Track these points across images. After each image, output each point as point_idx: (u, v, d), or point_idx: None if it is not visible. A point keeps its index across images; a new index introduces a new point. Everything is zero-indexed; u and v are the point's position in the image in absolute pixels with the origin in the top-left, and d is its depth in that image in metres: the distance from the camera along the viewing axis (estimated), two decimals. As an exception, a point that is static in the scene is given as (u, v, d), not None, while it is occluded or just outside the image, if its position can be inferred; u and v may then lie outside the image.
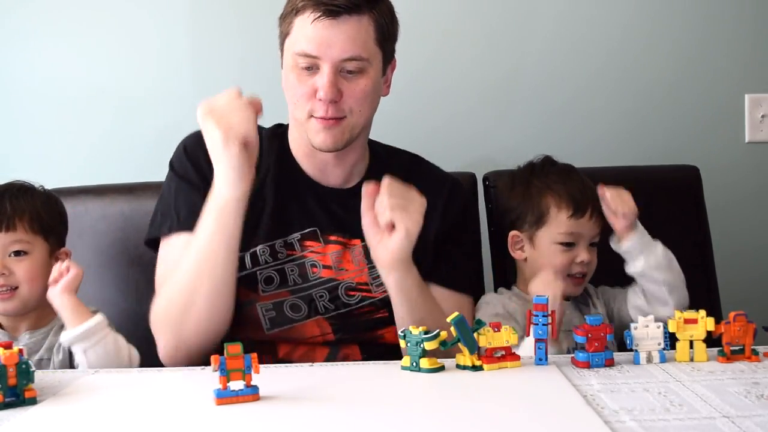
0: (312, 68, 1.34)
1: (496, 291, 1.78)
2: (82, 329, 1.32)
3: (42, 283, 1.40)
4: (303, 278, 1.40)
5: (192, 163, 1.42)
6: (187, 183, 1.42)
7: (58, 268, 1.36)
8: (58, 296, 1.35)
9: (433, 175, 1.54)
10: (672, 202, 1.86)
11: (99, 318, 1.34)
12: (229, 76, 2.08)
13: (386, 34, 1.39)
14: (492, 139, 2.11)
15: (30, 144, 2.08)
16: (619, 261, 1.54)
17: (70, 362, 1.39)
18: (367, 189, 1.28)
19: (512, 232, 1.59)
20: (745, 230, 2.14)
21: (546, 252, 1.53)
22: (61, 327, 1.38)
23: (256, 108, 1.29)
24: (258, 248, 1.40)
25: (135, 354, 1.37)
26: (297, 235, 1.42)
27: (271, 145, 1.49)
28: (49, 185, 1.83)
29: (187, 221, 1.36)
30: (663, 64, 2.13)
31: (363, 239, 1.40)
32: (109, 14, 2.07)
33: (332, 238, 1.43)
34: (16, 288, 1.40)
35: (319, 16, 1.32)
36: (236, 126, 1.25)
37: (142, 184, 1.82)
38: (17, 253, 1.41)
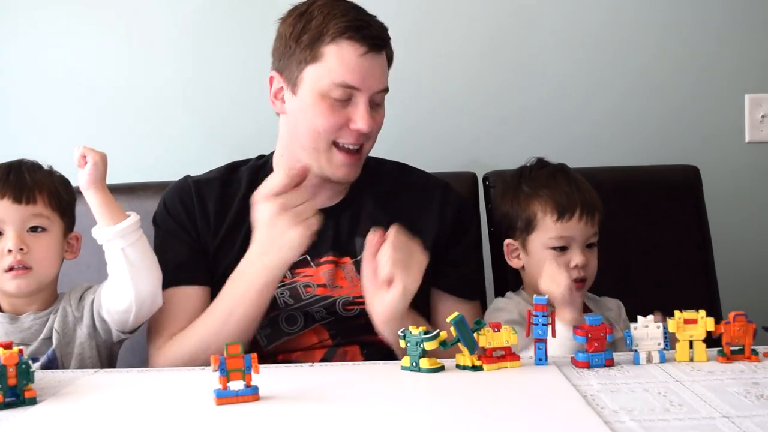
0: (346, 100, 1.35)
1: (495, 292, 1.79)
2: (122, 226, 1.28)
3: (57, 264, 1.37)
4: (295, 299, 1.40)
5: (173, 217, 1.43)
6: (171, 236, 1.43)
7: (77, 156, 1.28)
8: (83, 192, 1.29)
9: (423, 182, 1.53)
10: (672, 202, 1.86)
11: (136, 216, 1.31)
12: (232, 78, 2.08)
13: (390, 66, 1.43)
14: (492, 139, 2.11)
15: (30, 144, 2.08)
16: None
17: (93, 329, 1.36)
18: (372, 237, 1.25)
19: (507, 241, 1.57)
20: (745, 230, 2.14)
21: (539, 258, 1.50)
22: (56, 308, 1.36)
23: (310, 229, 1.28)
24: None
25: None
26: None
27: (255, 177, 1.46)
28: (49, 185, 1.83)
29: (176, 275, 1.39)
30: (663, 64, 2.13)
31: (353, 256, 1.42)
32: (111, 14, 2.08)
33: (323, 259, 1.42)
34: (30, 267, 1.32)
35: (363, 48, 1.33)
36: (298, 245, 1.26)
37: (142, 184, 1.82)
38: (34, 229, 1.33)
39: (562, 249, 1.49)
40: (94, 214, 1.30)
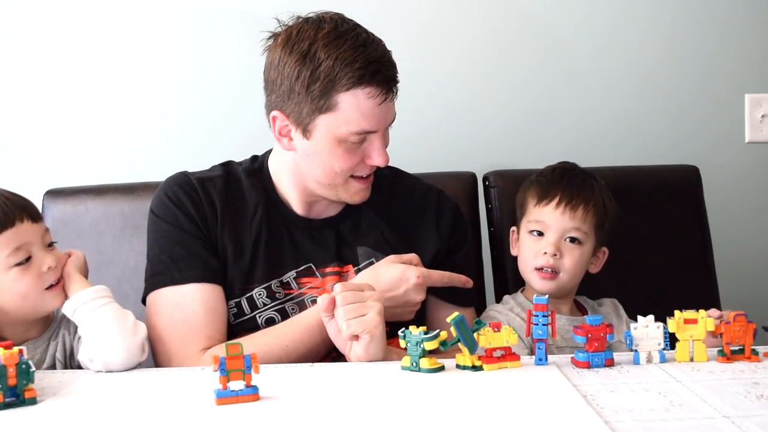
0: (363, 141, 1.34)
1: (495, 292, 1.79)
2: (88, 291, 1.25)
3: None
4: None
5: (182, 211, 1.40)
6: (180, 229, 1.39)
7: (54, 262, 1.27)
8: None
9: (418, 190, 1.52)
10: (672, 202, 1.86)
11: (103, 286, 1.29)
12: (231, 79, 2.08)
13: None
14: (492, 139, 2.11)
15: (30, 144, 2.08)
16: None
17: None
18: (322, 304, 1.22)
19: (512, 228, 1.61)
20: (745, 230, 2.14)
21: (522, 243, 1.54)
22: (57, 331, 1.32)
23: None
24: (254, 292, 1.39)
25: (142, 325, 1.29)
26: (293, 273, 1.41)
27: (253, 184, 1.46)
28: (49, 185, 1.84)
29: (197, 271, 1.36)
30: (663, 64, 2.13)
31: (355, 264, 1.42)
32: (111, 13, 2.07)
33: (328, 270, 1.42)
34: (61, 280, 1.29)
35: (377, 92, 1.30)
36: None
37: (142, 184, 1.82)
38: (49, 245, 1.30)
39: (539, 234, 1.51)
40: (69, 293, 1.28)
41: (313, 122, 1.33)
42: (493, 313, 1.54)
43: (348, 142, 1.33)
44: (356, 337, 1.21)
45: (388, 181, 1.51)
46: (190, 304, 1.35)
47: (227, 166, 1.50)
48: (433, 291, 1.42)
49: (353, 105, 1.30)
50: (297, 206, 1.45)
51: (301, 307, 1.39)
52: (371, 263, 1.41)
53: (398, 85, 1.36)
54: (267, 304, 1.39)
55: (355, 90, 1.29)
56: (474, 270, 1.59)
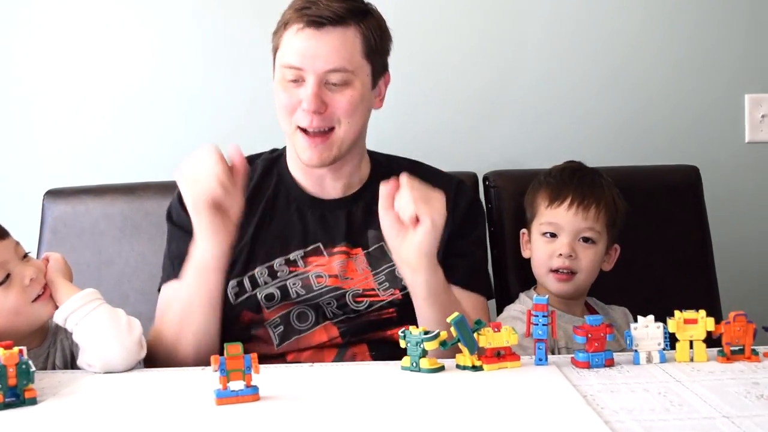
0: (298, 81, 1.36)
1: (496, 291, 1.78)
2: (76, 298, 1.24)
3: None
4: (307, 289, 1.40)
5: (183, 208, 1.41)
6: (181, 230, 1.44)
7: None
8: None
9: (437, 179, 1.51)
10: (672, 202, 1.86)
11: (91, 289, 1.27)
12: (233, 78, 2.08)
13: (375, 47, 1.39)
14: (493, 139, 2.11)
15: (30, 144, 2.08)
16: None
17: None
18: (385, 188, 1.24)
19: (522, 230, 1.61)
20: (745, 230, 2.14)
21: (535, 245, 1.54)
22: (55, 337, 1.32)
23: (236, 169, 1.28)
24: (256, 270, 1.41)
25: (135, 322, 1.27)
26: (300, 252, 1.43)
27: (269, 168, 1.50)
28: (49, 185, 1.84)
29: (173, 268, 1.41)
30: (663, 64, 2.13)
31: (365, 247, 1.43)
32: (109, 13, 2.07)
33: (336, 249, 1.43)
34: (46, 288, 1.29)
35: (303, 27, 1.34)
36: (203, 191, 1.25)
37: (142, 184, 1.82)
38: (24, 257, 1.29)
39: (552, 236, 1.50)
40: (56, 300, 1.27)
41: (274, 63, 1.41)
42: (515, 313, 1.53)
43: (285, 80, 1.37)
44: (416, 223, 1.22)
45: (406, 168, 1.52)
46: (168, 299, 1.40)
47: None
48: (444, 275, 1.42)
49: (287, 41, 1.36)
50: (308, 186, 1.47)
51: (304, 282, 1.40)
52: (380, 247, 1.42)
53: (362, 30, 1.35)
54: (267, 283, 1.41)
55: (291, 27, 1.36)
56: (484, 257, 1.58)
